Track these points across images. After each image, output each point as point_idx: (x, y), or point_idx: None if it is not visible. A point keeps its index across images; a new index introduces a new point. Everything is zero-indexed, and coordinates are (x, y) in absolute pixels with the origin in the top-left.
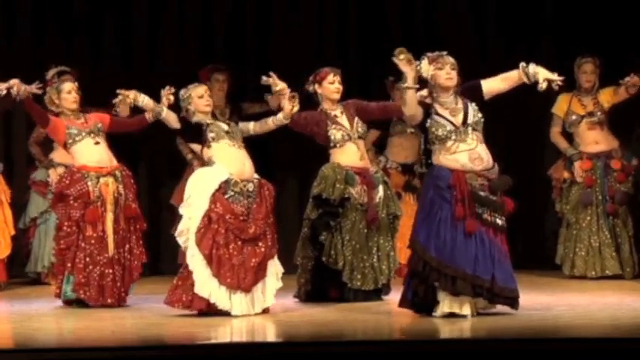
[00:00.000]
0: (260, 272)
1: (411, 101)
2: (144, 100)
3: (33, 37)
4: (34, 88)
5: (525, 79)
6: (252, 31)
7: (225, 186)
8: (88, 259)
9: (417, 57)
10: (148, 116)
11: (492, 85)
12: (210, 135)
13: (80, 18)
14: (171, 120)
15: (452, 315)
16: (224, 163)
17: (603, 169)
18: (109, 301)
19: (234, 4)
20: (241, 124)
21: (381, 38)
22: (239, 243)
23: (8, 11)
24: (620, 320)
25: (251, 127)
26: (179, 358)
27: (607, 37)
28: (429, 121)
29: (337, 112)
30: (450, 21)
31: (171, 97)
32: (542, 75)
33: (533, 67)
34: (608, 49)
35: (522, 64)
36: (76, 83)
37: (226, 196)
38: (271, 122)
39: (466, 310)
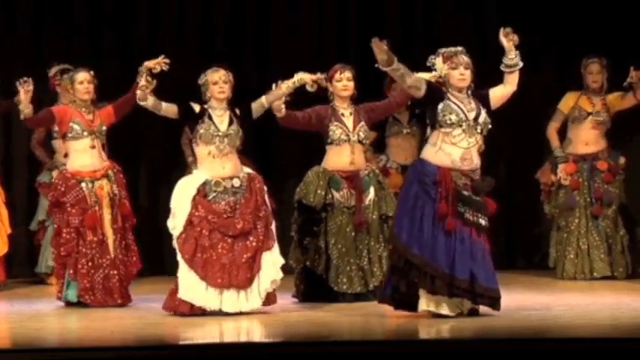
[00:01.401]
0: (255, 266)
1: (394, 75)
2: (147, 99)
3: (33, 37)
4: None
5: (515, 63)
6: (252, 31)
7: (204, 188)
8: (90, 263)
9: (416, 57)
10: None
11: (496, 92)
12: (199, 132)
13: (80, 18)
14: (170, 114)
15: (437, 315)
16: (203, 164)
17: (589, 171)
18: (119, 301)
19: (234, 4)
20: (254, 104)
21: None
22: (229, 241)
23: (8, 11)
24: (620, 320)
25: (264, 100)
26: (178, 357)
27: (608, 36)
28: (441, 104)
29: (347, 111)
30: (450, 21)
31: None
32: (507, 45)
33: (505, 59)
34: (609, 48)
35: (501, 68)
36: (92, 72)
37: (209, 198)
38: (282, 86)
39: (444, 309)
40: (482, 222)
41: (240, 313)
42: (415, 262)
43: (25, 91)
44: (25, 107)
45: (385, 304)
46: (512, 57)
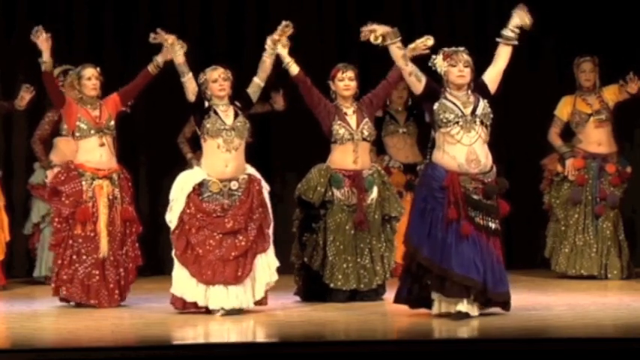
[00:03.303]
0: (244, 266)
1: (397, 55)
2: (179, 51)
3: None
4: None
5: (511, 42)
6: (252, 31)
7: (199, 188)
8: (75, 256)
9: (415, 56)
10: (151, 69)
11: (490, 75)
12: (206, 127)
13: (80, 17)
14: (190, 89)
15: (450, 315)
16: (207, 161)
17: (597, 170)
18: (92, 302)
19: (233, 4)
20: (250, 89)
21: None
22: (217, 237)
23: (8, 11)
24: (621, 320)
25: (257, 81)
26: (177, 357)
27: (607, 36)
28: (437, 104)
29: (350, 110)
30: (449, 21)
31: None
32: (519, 21)
33: (507, 31)
34: (609, 48)
35: (498, 39)
36: (98, 69)
37: (202, 197)
38: (265, 58)
39: (461, 307)
40: (493, 225)
41: (231, 312)
42: (425, 265)
43: (44, 40)
44: (47, 58)
45: (401, 304)
46: (516, 31)
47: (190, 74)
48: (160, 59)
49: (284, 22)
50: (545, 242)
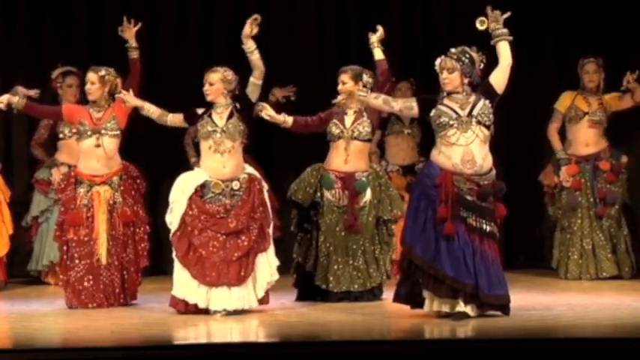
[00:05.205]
0: (246, 266)
1: (379, 106)
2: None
3: (33, 37)
4: (30, 92)
5: (501, 38)
6: None
7: (202, 189)
8: (69, 262)
9: (415, 55)
10: (132, 55)
11: (496, 76)
12: (198, 129)
13: (80, 18)
14: (179, 123)
15: (442, 315)
16: (205, 162)
17: (592, 171)
18: (89, 305)
19: (234, 4)
20: (247, 89)
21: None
22: (221, 238)
23: (8, 11)
24: (620, 320)
25: (252, 80)
26: (177, 357)
27: (608, 36)
28: (434, 111)
29: (351, 110)
30: (449, 21)
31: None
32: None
33: (495, 32)
34: (609, 48)
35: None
36: (101, 72)
37: (205, 198)
38: (250, 57)
39: (447, 309)
40: (487, 228)
41: (233, 312)
42: (417, 263)
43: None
44: (19, 100)
45: (399, 303)
46: (499, 27)
47: (169, 115)
48: (131, 42)
49: (253, 16)
50: (540, 244)
